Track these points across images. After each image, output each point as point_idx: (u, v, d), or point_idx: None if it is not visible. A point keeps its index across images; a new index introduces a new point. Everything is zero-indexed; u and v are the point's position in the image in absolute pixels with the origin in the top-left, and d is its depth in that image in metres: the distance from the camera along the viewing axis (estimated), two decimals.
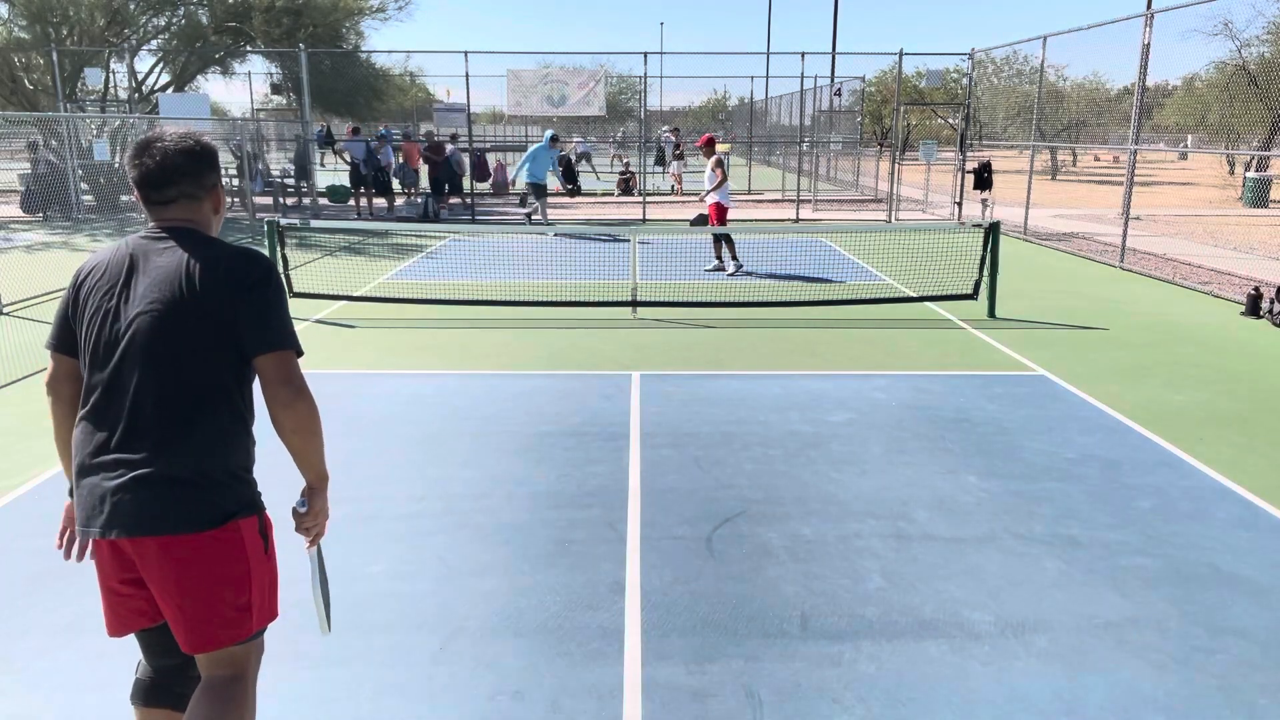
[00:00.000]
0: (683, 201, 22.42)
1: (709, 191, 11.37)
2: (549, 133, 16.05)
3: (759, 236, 14.64)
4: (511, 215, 19.23)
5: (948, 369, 7.15)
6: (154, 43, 22.07)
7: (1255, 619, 3.52)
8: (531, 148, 15.65)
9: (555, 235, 15.00)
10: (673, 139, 26.75)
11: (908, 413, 6.04)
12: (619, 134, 38.02)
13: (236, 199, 19.18)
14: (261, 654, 2.31)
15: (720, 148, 12.00)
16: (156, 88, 21.76)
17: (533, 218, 15.69)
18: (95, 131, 17.59)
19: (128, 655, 3.26)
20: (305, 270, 11.42)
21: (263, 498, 2.28)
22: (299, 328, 8.51)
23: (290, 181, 19.79)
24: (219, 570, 2.12)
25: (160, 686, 2.32)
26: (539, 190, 15.41)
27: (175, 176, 2.19)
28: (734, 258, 11.47)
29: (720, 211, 11.39)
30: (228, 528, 2.13)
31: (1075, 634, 3.44)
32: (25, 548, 4.11)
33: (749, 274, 11.47)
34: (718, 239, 11.57)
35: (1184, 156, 36.65)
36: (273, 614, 2.26)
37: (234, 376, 2.16)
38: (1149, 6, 16.53)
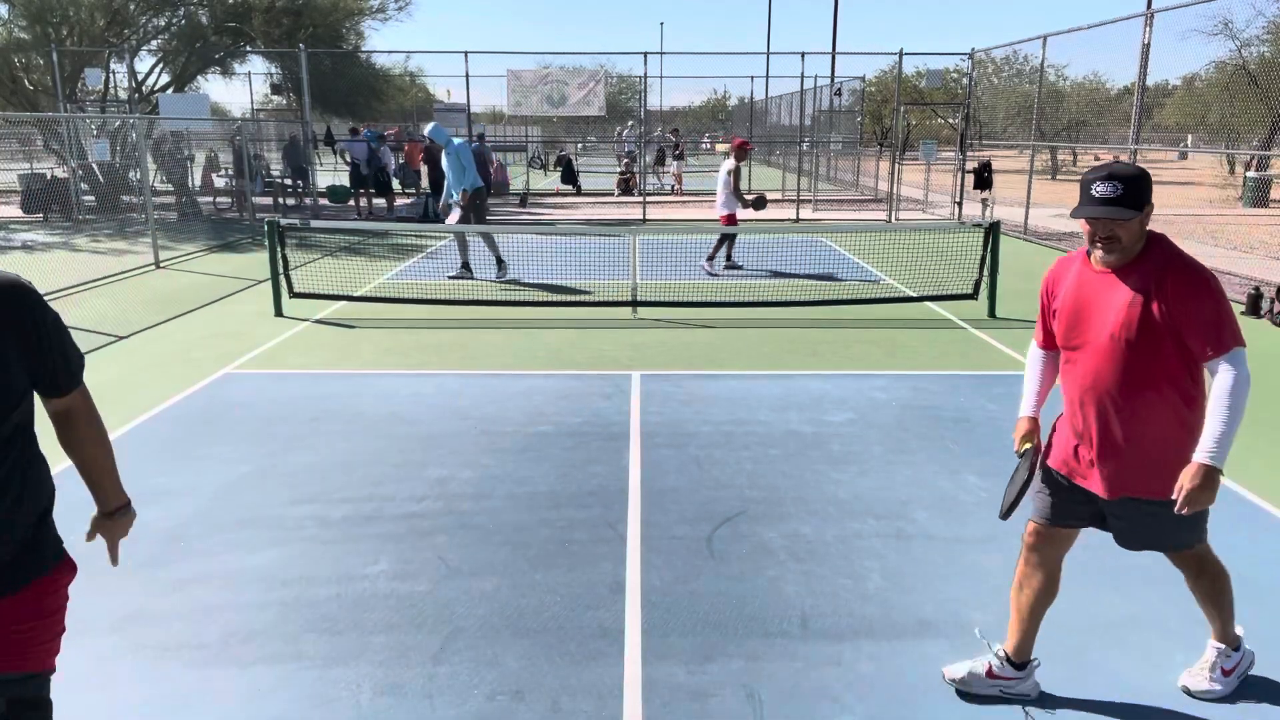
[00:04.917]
0: (683, 201, 22.43)
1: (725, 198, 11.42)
2: (430, 127, 10.93)
3: (759, 236, 14.64)
4: (512, 216, 19.22)
5: (948, 369, 7.15)
6: (154, 43, 22.05)
7: (1255, 619, 3.51)
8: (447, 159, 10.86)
9: None
10: (672, 139, 26.87)
11: (908, 413, 6.04)
12: (625, 133, 37.98)
13: (236, 199, 19.18)
14: None
15: (719, 148, 12.02)
16: (156, 88, 21.74)
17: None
18: (95, 131, 17.58)
19: (129, 655, 3.27)
20: (305, 270, 11.42)
21: None
22: (299, 327, 8.52)
23: (289, 182, 19.79)
24: None
25: None
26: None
27: None
28: (728, 257, 11.54)
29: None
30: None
31: (1075, 634, 3.44)
32: None
33: (740, 273, 11.46)
34: (724, 239, 11.63)
35: (1184, 156, 36.62)
36: None
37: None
38: (1149, 6, 16.52)
